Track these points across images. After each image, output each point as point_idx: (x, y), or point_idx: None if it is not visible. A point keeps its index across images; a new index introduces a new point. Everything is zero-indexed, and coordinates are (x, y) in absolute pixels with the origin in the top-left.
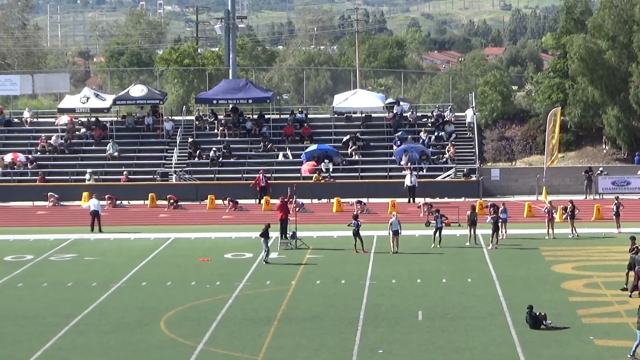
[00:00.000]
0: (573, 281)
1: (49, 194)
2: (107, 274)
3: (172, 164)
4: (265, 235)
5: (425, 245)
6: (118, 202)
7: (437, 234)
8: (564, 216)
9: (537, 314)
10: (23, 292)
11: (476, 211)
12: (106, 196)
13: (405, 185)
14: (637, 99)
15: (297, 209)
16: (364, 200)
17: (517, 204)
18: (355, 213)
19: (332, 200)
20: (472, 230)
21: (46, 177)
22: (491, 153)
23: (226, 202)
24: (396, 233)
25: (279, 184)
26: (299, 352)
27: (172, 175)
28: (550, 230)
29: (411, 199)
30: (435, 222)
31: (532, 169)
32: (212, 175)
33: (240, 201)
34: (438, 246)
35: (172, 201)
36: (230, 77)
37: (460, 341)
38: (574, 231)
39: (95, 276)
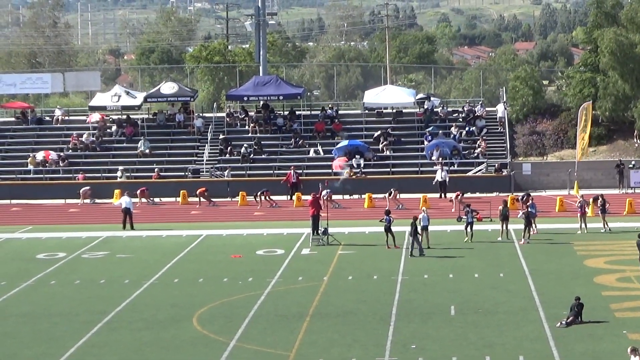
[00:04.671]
0: (606, 275)
1: (82, 190)
2: (140, 271)
3: (203, 160)
4: (414, 231)
5: (457, 241)
6: (152, 199)
7: (469, 229)
8: (596, 210)
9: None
10: (56, 289)
11: (508, 206)
12: (138, 191)
13: (435, 180)
14: None
15: (330, 204)
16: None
17: (549, 199)
18: (387, 209)
19: (363, 196)
20: (505, 225)
21: (86, 175)
22: (522, 148)
23: (261, 198)
24: (425, 228)
25: (310, 180)
26: (332, 348)
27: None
28: (583, 225)
29: (442, 194)
30: (466, 217)
31: (563, 164)
32: (244, 172)
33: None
34: (470, 241)
35: (204, 194)
36: (261, 74)
37: (493, 336)
38: (605, 225)
39: (127, 273)
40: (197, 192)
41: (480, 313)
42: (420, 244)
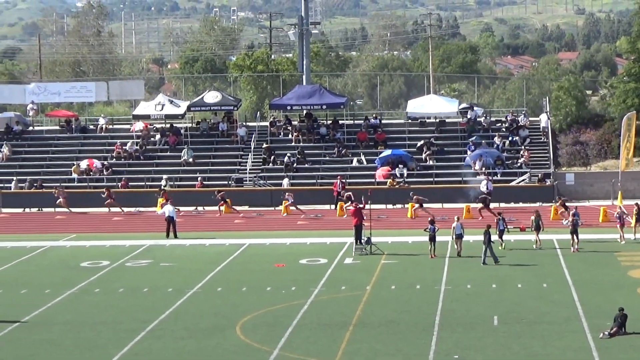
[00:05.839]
0: None
1: (56, 191)
2: (183, 279)
3: (246, 169)
4: (488, 239)
5: (500, 251)
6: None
7: (501, 237)
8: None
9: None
10: (100, 297)
11: (541, 216)
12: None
13: (480, 190)
14: None
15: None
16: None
17: (593, 209)
18: (431, 218)
19: (406, 206)
20: (538, 235)
21: (129, 183)
22: (566, 158)
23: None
24: (459, 237)
25: (353, 190)
26: (375, 357)
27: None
28: (623, 235)
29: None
30: (497, 224)
31: (607, 174)
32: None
33: (314, 207)
34: (500, 248)
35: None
36: (304, 83)
37: (537, 347)
38: (637, 235)
39: (170, 282)
40: (159, 195)
41: (523, 323)
42: (494, 253)
